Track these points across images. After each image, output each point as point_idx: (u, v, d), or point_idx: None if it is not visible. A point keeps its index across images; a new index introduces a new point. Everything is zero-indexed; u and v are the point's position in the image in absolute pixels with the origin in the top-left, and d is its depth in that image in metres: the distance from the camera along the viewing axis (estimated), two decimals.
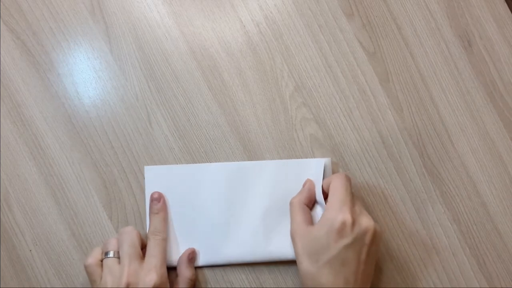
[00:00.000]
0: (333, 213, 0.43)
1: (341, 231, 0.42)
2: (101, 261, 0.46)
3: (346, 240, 0.42)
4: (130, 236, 0.46)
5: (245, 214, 0.49)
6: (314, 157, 0.50)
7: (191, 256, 0.48)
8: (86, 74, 0.51)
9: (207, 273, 0.49)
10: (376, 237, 0.44)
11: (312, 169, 0.50)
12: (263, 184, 0.50)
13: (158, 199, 0.49)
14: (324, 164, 0.49)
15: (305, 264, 0.43)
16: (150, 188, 0.49)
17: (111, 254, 0.45)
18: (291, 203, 0.48)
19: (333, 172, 0.50)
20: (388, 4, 0.52)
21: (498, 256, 0.50)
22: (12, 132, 0.50)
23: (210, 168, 0.50)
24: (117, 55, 0.51)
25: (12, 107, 0.50)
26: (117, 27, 0.51)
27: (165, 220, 0.48)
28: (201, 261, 0.49)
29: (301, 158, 0.50)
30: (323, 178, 0.49)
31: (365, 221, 0.43)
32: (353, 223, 0.42)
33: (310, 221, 0.46)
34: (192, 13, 0.51)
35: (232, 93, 0.51)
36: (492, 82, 0.51)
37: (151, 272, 0.44)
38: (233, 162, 0.50)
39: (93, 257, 0.45)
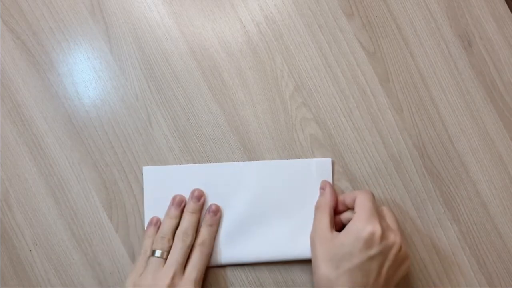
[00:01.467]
0: (362, 223, 0.43)
1: (369, 241, 0.42)
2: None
3: (372, 251, 0.42)
4: (186, 245, 0.46)
5: (246, 215, 0.49)
6: (314, 157, 0.50)
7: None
8: (86, 74, 0.51)
9: (208, 273, 0.49)
10: (400, 254, 0.44)
11: (313, 169, 0.50)
12: (263, 184, 0.50)
13: (215, 212, 0.49)
14: (326, 164, 0.50)
15: (323, 269, 0.43)
16: (148, 189, 0.49)
17: (158, 254, 0.46)
18: (318, 206, 0.48)
19: (333, 172, 0.50)
20: (388, 4, 0.52)
21: (498, 256, 0.50)
22: (12, 132, 0.50)
23: (210, 168, 0.50)
24: (117, 55, 0.51)
25: (12, 107, 0.50)
26: (117, 27, 0.51)
27: (215, 234, 0.49)
28: None
29: (301, 158, 0.50)
30: (322, 179, 0.49)
31: (393, 236, 0.43)
32: (382, 235, 0.43)
33: (333, 226, 0.46)
34: (192, 13, 0.51)
35: (232, 93, 0.51)
36: (492, 82, 0.51)
37: (191, 284, 0.45)
38: (233, 163, 0.50)
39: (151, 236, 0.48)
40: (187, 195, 0.49)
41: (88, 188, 0.50)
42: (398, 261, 0.44)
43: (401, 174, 0.51)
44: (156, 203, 0.49)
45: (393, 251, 0.43)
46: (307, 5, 0.51)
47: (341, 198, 0.48)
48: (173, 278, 0.45)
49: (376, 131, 0.51)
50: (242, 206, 0.49)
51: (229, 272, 0.49)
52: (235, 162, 0.50)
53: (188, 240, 0.47)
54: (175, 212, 0.48)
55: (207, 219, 0.48)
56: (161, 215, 0.49)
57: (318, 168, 0.49)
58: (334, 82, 0.51)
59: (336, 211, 0.48)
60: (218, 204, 0.49)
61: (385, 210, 0.46)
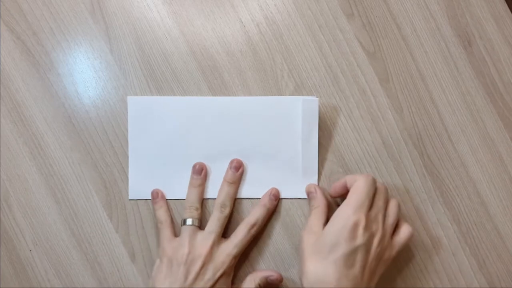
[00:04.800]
0: (348, 211, 0.43)
1: (353, 231, 0.42)
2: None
3: (357, 241, 0.42)
4: (224, 216, 0.47)
5: (232, 151, 0.50)
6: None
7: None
8: (86, 74, 0.51)
9: None
10: (383, 247, 0.44)
11: (299, 107, 0.50)
12: (248, 119, 0.50)
13: (276, 196, 0.49)
14: (313, 103, 0.50)
15: (310, 263, 0.43)
16: (133, 119, 0.50)
17: (190, 222, 0.47)
18: (315, 207, 0.47)
19: (320, 113, 0.50)
20: (388, 4, 0.52)
21: (498, 256, 0.50)
22: (12, 132, 0.50)
23: (196, 102, 0.50)
24: (117, 55, 0.51)
25: (12, 107, 0.50)
26: (117, 27, 0.51)
27: (268, 217, 0.49)
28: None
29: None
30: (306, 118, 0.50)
31: (375, 228, 0.43)
32: (366, 226, 0.43)
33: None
34: (192, 13, 0.51)
35: (232, 93, 0.51)
36: (492, 82, 0.51)
37: (228, 258, 0.46)
38: (219, 97, 0.50)
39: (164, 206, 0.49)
40: (171, 127, 0.49)
41: (88, 188, 0.50)
42: (380, 254, 0.44)
43: (401, 174, 0.51)
44: (140, 134, 0.50)
45: (375, 243, 0.43)
46: (307, 5, 0.51)
47: (342, 181, 0.47)
48: (211, 247, 0.46)
49: (376, 131, 0.51)
50: (227, 142, 0.50)
51: None
52: (222, 97, 0.50)
53: (226, 211, 0.48)
54: (197, 180, 0.49)
55: (265, 200, 0.49)
56: (145, 146, 0.50)
57: (313, 108, 0.49)
58: (334, 82, 0.51)
59: (335, 195, 0.48)
60: (204, 138, 0.50)
61: (392, 203, 0.46)
